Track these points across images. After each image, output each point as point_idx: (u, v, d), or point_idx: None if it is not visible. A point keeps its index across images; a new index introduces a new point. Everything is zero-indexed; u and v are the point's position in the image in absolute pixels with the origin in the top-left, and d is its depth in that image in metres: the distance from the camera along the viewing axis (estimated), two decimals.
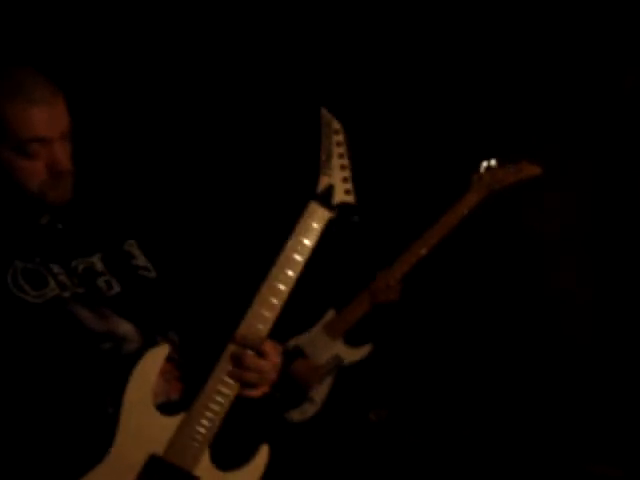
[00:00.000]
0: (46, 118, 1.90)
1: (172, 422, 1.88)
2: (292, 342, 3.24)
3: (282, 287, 1.93)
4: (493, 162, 3.27)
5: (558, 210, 3.77)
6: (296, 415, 3.24)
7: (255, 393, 1.96)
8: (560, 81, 3.68)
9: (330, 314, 3.32)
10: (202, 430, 1.89)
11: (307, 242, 1.95)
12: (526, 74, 3.69)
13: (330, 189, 1.98)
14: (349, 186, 2.00)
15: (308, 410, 3.26)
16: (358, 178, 3.20)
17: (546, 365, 3.76)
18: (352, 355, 3.33)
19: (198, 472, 1.89)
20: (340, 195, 1.99)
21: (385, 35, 3.60)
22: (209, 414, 1.89)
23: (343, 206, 2.00)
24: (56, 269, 1.95)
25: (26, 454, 1.83)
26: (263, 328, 1.92)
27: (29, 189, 1.93)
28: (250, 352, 1.90)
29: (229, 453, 1.97)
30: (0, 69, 1.95)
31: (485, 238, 3.75)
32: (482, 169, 3.27)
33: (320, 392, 3.29)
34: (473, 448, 3.76)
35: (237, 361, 1.90)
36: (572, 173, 3.70)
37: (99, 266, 2.02)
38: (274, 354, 1.94)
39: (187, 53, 3.31)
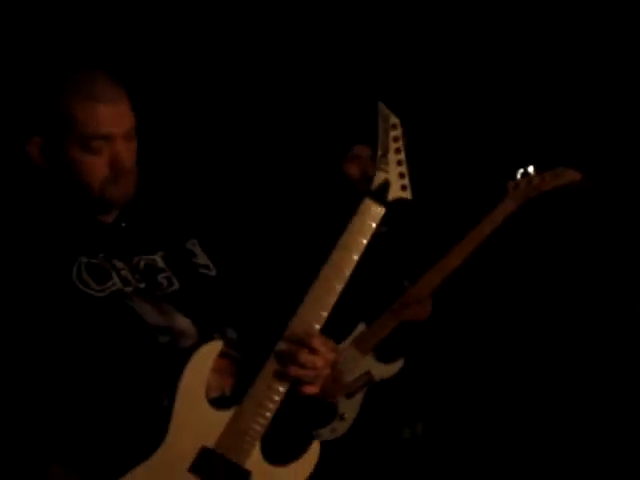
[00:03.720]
0: (111, 116, 1.97)
1: (224, 416, 1.92)
2: None
3: (335, 285, 1.95)
4: (530, 169, 3.17)
5: None
6: (326, 433, 3.16)
7: (311, 390, 1.98)
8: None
9: (360, 328, 3.24)
10: (253, 424, 1.92)
11: (361, 239, 1.95)
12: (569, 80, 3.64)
13: (386, 185, 1.97)
14: (406, 182, 1.99)
15: (338, 428, 3.19)
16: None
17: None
18: (383, 371, 3.26)
19: (248, 466, 1.93)
20: (396, 191, 1.98)
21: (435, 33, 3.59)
22: (260, 409, 1.93)
23: (398, 202, 1.98)
24: (119, 265, 2.01)
25: (83, 443, 1.88)
26: (315, 325, 1.94)
27: (91, 185, 1.99)
28: (301, 349, 1.92)
29: (280, 448, 1.99)
30: (68, 71, 2.04)
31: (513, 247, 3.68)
32: (518, 176, 3.17)
33: (351, 409, 3.22)
34: (510, 464, 3.71)
35: (288, 358, 1.92)
36: None
37: (160, 263, 2.07)
38: (326, 350, 1.95)
39: (240, 54, 3.36)
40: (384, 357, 3.27)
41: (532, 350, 3.89)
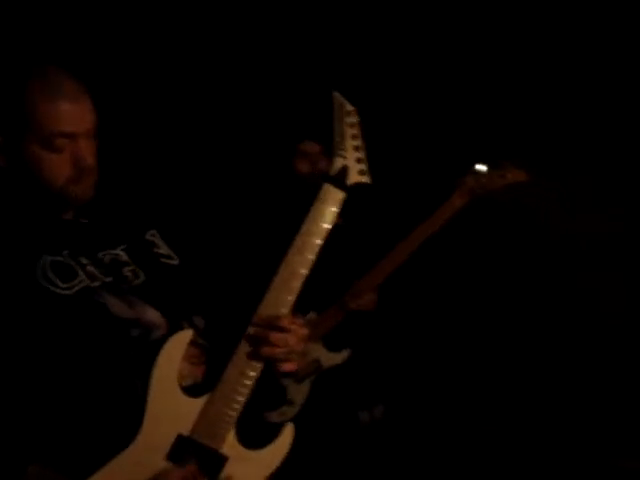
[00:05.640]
0: (73, 114, 1.96)
1: (198, 403, 1.95)
2: None
3: (300, 270, 1.98)
4: (483, 167, 3.21)
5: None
6: (275, 416, 3.22)
7: (288, 367, 2.01)
8: (562, 86, 3.68)
9: (310, 316, 3.29)
10: (227, 410, 1.95)
11: (323, 224, 1.99)
12: (527, 78, 3.68)
13: (344, 170, 2.01)
14: (364, 166, 2.03)
15: (287, 412, 3.25)
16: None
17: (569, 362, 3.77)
18: (331, 359, 3.33)
19: (225, 450, 1.96)
20: (354, 176, 2.02)
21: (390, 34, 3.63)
22: (233, 394, 1.95)
23: (358, 186, 2.02)
24: (84, 261, 2.01)
25: (60, 440, 1.89)
26: (282, 310, 1.97)
27: (53, 184, 1.98)
28: (271, 330, 1.95)
29: (255, 431, 2.01)
30: (31, 68, 2.01)
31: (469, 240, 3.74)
32: (468, 173, 3.22)
33: (299, 394, 3.29)
34: (478, 448, 3.76)
35: (259, 341, 1.95)
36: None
37: (124, 257, 2.08)
38: (297, 327, 1.99)
39: (195, 49, 3.37)
40: (332, 346, 3.33)
41: (479, 334, 3.97)
